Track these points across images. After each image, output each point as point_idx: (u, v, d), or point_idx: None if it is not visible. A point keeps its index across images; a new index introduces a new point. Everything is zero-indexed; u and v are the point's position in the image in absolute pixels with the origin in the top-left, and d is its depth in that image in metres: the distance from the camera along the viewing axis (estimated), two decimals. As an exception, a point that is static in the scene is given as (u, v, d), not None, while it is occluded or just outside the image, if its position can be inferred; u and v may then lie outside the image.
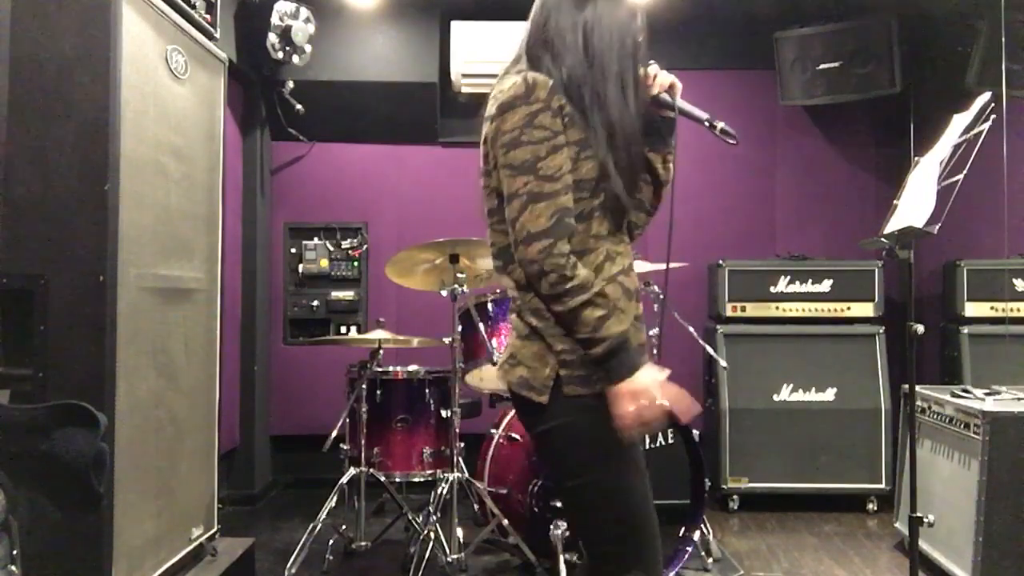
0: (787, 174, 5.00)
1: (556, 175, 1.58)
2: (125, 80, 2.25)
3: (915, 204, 2.57)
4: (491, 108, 1.65)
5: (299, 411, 4.80)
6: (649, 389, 1.58)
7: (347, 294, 4.87)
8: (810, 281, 4.42)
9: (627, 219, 1.73)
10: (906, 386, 2.69)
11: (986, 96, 2.54)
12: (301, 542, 3.29)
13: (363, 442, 3.42)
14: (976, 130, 2.49)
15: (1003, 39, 4.02)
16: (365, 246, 4.90)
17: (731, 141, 1.75)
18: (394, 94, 4.70)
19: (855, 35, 4.47)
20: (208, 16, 2.84)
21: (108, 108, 2.18)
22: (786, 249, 4.68)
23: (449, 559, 3.18)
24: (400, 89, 4.68)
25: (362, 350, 3.60)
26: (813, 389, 4.31)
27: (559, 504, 1.94)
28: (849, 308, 4.40)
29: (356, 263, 4.88)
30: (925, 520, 2.59)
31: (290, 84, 4.49)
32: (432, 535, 3.19)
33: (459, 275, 3.30)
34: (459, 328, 3.35)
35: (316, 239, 4.89)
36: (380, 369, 3.49)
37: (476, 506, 3.58)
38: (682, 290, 4.42)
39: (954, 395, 3.25)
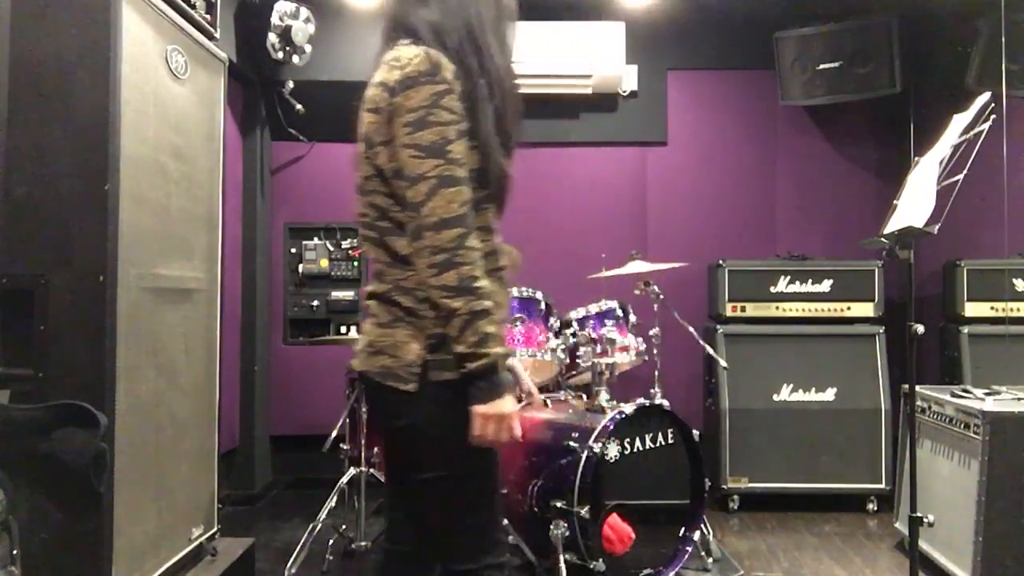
0: (787, 174, 5.00)
1: (462, 160, 1.53)
2: (125, 80, 2.25)
3: (915, 204, 2.57)
4: (387, 75, 1.57)
5: (299, 411, 4.80)
6: (512, 417, 1.55)
7: (347, 294, 4.87)
8: (810, 281, 4.42)
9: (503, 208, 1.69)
10: (906, 386, 2.69)
11: (986, 96, 2.54)
12: (301, 542, 3.29)
13: (363, 442, 3.41)
14: (976, 130, 2.49)
15: (1003, 39, 4.02)
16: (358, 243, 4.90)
17: None
18: (394, 94, 4.69)
19: (855, 35, 4.46)
20: (208, 16, 2.84)
21: (108, 108, 2.18)
22: (786, 249, 4.68)
23: (449, 559, 3.18)
24: (400, 89, 4.67)
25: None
26: (813, 389, 4.31)
27: (391, 499, 1.85)
28: (849, 308, 4.40)
29: (356, 263, 4.88)
30: (925, 520, 2.60)
31: (290, 84, 4.49)
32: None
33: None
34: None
35: (316, 239, 4.89)
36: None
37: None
38: (682, 290, 4.42)
39: (954, 395, 3.25)
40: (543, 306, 3.54)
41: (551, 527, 2.98)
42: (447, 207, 1.50)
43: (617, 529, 2.96)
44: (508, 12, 1.70)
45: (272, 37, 4.16)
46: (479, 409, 1.53)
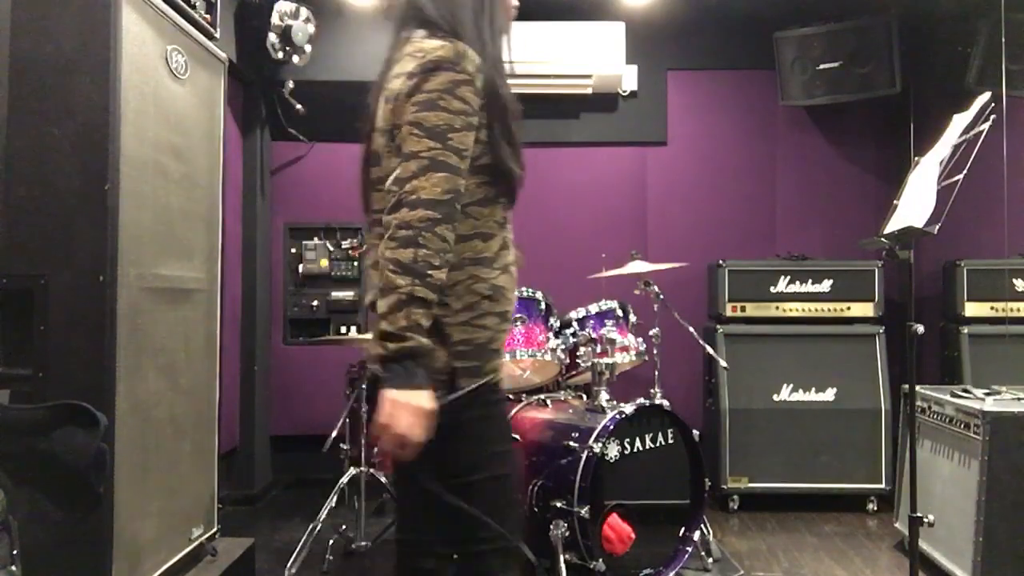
0: (787, 174, 5.00)
1: (464, 152, 1.51)
2: (125, 80, 2.25)
3: (915, 204, 2.57)
4: (408, 65, 1.56)
5: (299, 411, 4.80)
6: (428, 417, 1.45)
7: (347, 294, 4.87)
8: (810, 281, 4.42)
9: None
10: (906, 386, 2.69)
11: (986, 96, 2.54)
12: (301, 542, 3.29)
13: (363, 442, 3.41)
14: (976, 130, 2.49)
15: (1003, 39, 4.02)
16: (365, 246, 4.90)
17: None
18: (394, 94, 4.70)
19: (855, 35, 4.47)
20: (208, 16, 2.84)
21: (108, 108, 2.18)
22: (786, 249, 4.68)
23: (449, 559, 3.18)
24: (400, 89, 4.67)
25: (362, 350, 3.60)
26: (813, 389, 4.31)
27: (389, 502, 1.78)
28: (849, 308, 4.40)
29: (356, 263, 4.88)
30: (925, 520, 2.60)
31: (290, 84, 4.49)
32: (432, 535, 3.19)
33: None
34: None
35: (316, 239, 4.90)
36: (380, 369, 3.48)
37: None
38: (682, 290, 4.42)
39: (954, 395, 3.25)
40: (543, 306, 3.54)
41: (551, 527, 2.98)
42: (430, 189, 1.46)
43: (617, 529, 2.96)
44: (503, 4, 1.70)
45: (272, 37, 4.16)
46: (391, 394, 1.43)
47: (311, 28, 4.27)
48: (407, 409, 1.44)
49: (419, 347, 1.45)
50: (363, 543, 3.52)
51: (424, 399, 1.45)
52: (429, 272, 1.44)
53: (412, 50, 1.59)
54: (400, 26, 1.70)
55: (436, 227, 1.45)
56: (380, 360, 1.46)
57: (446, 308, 1.54)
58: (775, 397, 4.31)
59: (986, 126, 2.48)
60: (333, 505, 3.37)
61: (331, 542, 3.39)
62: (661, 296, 3.65)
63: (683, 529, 3.20)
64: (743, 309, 4.41)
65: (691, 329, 3.64)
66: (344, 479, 3.40)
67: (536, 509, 3.15)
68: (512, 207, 1.67)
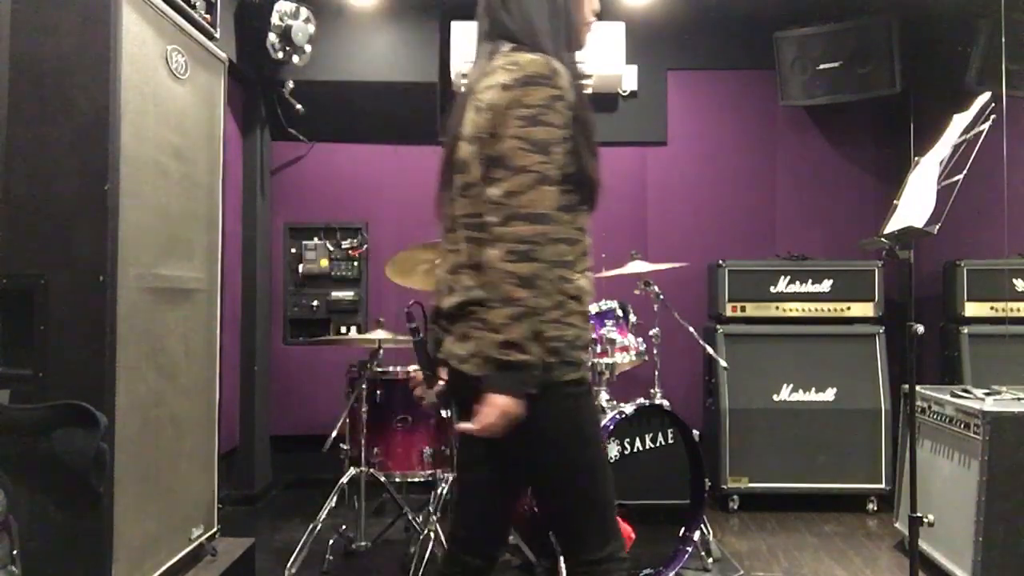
0: (787, 174, 5.00)
1: (560, 165, 1.60)
2: (125, 80, 2.24)
3: (915, 204, 2.57)
4: (501, 76, 1.63)
5: (299, 411, 4.80)
6: (517, 417, 1.56)
7: (347, 294, 4.87)
8: (810, 281, 4.42)
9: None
10: (906, 386, 2.68)
11: (986, 96, 2.54)
12: (301, 542, 3.29)
13: (363, 442, 3.41)
14: (976, 130, 2.49)
15: (1003, 39, 4.02)
16: (365, 246, 4.90)
17: None
18: (394, 94, 4.70)
19: (855, 35, 4.47)
20: (208, 16, 2.84)
21: (108, 108, 2.18)
22: (786, 249, 4.68)
23: (449, 559, 3.18)
24: (400, 89, 4.68)
25: (362, 350, 3.60)
26: (813, 389, 4.31)
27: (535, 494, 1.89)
28: (849, 308, 4.40)
29: (356, 263, 4.88)
30: (925, 520, 2.60)
31: (290, 84, 4.49)
32: (432, 535, 3.19)
33: (459, 275, 3.29)
34: (459, 328, 3.34)
35: (316, 239, 4.90)
36: (380, 369, 3.49)
37: (476, 506, 3.58)
38: (682, 290, 4.42)
39: (954, 395, 3.25)
40: (543, 306, 3.54)
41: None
42: (541, 203, 1.56)
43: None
44: (580, 20, 1.78)
45: (272, 37, 4.16)
46: (500, 399, 1.54)
47: (311, 28, 4.27)
48: (509, 414, 1.55)
49: (534, 360, 1.55)
50: (363, 543, 3.52)
51: (523, 408, 1.56)
52: (541, 284, 1.54)
53: (504, 62, 1.66)
54: (486, 38, 1.77)
55: (547, 240, 1.56)
56: (497, 365, 1.55)
57: (544, 322, 1.60)
58: (775, 397, 4.31)
59: (986, 126, 2.48)
60: (333, 505, 3.37)
61: (331, 542, 3.39)
62: (661, 296, 3.65)
63: (683, 529, 3.21)
64: (743, 309, 4.41)
65: (691, 329, 3.64)
66: (344, 479, 3.40)
67: (536, 509, 3.14)
68: (591, 213, 1.75)
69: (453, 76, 4.59)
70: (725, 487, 4.26)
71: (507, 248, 1.54)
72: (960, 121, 2.58)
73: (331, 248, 4.89)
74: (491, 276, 1.57)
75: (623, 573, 1.69)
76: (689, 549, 3.19)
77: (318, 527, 3.31)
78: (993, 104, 2.50)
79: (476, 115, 1.67)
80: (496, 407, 1.55)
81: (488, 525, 1.82)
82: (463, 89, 1.79)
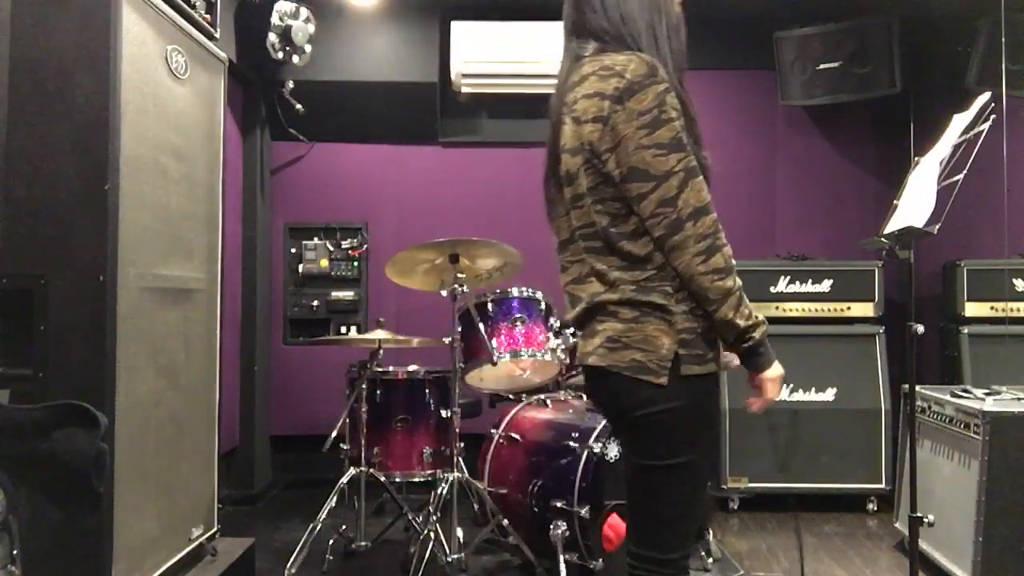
0: (787, 174, 5.00)
1: (694, 154, 1.62)
2: (125, 80, 2.25)
3: (915, 204, 2.57)
4: (602, 85, 1.62)
5: (299, 411, 4.80)
6: (781, 376, 1.70)
7: (347, 294, 4.87)
8: (810, 281, 4.42)
9: None
10: (906, 386, 2.69)
11: (986, 96, 2.54)
12: (301, 542, 3.29)
13: (363, 442, 3.41)
14: (976, 130, 2.49)
15: (1003, 39, 4.02)
16: (365, 246, 4.90)
17: None
18: (394, 94, 4.70)
19: (855, 35, 4.47)
20: (208, 16, 2.84)
21: (108, 108, 2.18)
22: (786, 249, 4.68)
23: (449, 559, 3.18)
24: (400, 89, 4.68)
25: (362, 350, 3.60)
26: (813, 389, 4.31)
27: (637, 488, 1.83)
28: (849, 308, 4.40)
29: (356, 263, 4.88)
30: (925, 520, 2.60)
31: (290, 84, 4.49)
32: (432, 535, 3.19)
33: (459, 275, 3.30)
34: (459, 328, 3.35)
35: (316, 239, 4.90)
36: (380, 369, 3.49)
37: (476, 506, 3.58)
38: (682, 290, 4.41)
39: (954, 395, 3.25)
40: (543, 306, 3.54)
41: (551, 527, 2.98)
42: (699, 196, 1.59)
43: (617, 529, 2.96)
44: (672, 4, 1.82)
45: (272, 37, 4.16)
46: (769, 375, 1.67)
47: (311, 28, 4.27)
48: (776, 381, 1.69)
49: (766, 327, 1.67)
50: (363, 543, 3.52)
51: (779, 368, 1.70)
52: (734, 263, 1.65)
53: (596, 68, 1.65)
54: (570, 39, 1.76)
55: (718, 224, 1.61)
56: (748, 351, 1.67)
57: (670, 297, 1.63)
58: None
59: (986, 126, 2.48)
60: (333, 505, 3.36)
61: (331, 542, 3.39)
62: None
63: (683, 529, 3.20)
64: (743, 309, 4.40)
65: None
66: (344, 479, 3.40)
67: (536, 509, 3.14)
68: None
69: (453, 76, 4.59)
70: (725, 487, 4.25)
71: (692, 253, 1.59)
72: (960, 121, 2.58)
73: (331, 248, 4.89)
74: (693, 287, 1.61)
75: None
76: (689, 549, 3.18)
77: (318, 527, 3.31)
78: (993, 104, 2.50)
79: (577, 127, 1.66)
80: (776, 381, 1.68)
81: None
82: (552, 93, 1.79)
